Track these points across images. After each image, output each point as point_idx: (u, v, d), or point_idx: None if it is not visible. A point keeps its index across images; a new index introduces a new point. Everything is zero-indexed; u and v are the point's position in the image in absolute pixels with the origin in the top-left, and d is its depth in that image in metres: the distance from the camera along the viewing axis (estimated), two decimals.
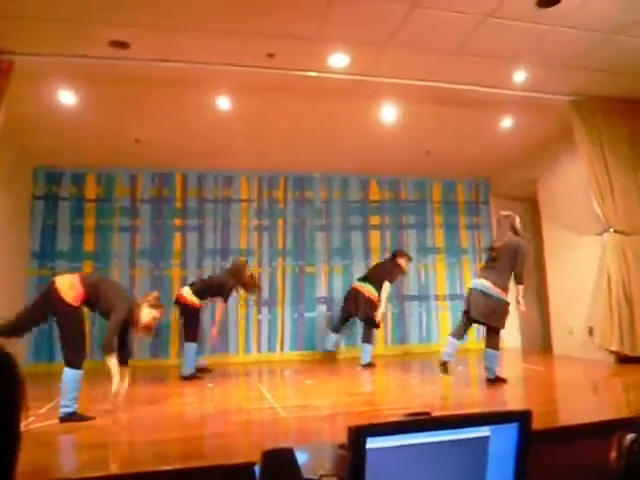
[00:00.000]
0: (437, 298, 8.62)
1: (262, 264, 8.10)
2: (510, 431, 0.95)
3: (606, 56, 5.04)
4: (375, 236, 8.46)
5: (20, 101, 5.00)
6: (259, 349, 7.87)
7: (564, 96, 5.94)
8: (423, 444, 0.90)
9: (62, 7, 4.00)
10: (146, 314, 4.15)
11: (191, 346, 6.03)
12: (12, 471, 0.66)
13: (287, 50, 4.80)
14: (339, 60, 5.02)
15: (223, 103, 5.69)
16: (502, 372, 5.32)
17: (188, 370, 5.96)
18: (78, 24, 4.24)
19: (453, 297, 8.67)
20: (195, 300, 6.15)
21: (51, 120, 5.88)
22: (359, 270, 8.18)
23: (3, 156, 5.67)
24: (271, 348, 7.93)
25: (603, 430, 2.96)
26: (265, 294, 8.03)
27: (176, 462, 2.97)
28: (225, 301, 6.36)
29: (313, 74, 5.17)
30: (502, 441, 0.94)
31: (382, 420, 3.17)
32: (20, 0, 3.90)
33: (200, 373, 6.11)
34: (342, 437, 3.06)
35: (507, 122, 6.59)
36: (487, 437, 0.94)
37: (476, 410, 4.29)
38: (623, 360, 5.79)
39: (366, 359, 6.67)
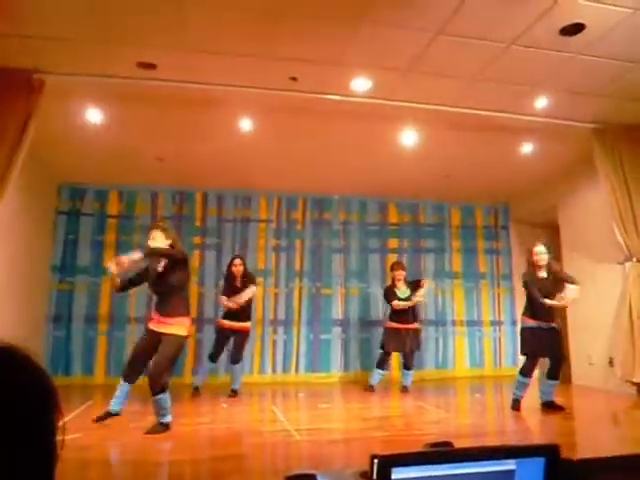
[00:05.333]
0: (454, 323, 8.54)
1: (279, 284, 8.11)
2: (536, 465, 0.94)
3: (629, 84, 5.03)
4: (393, 259, 8.38)
5: (48, 118, 5.12)
6: (274, 370, 7.84)
7: (586, 123, 5.92)
8: (448, 476, 0.88)
9: (93, 29, 4.11)
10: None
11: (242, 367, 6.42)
12: None
13: (310, 74, 4.86)
14: (361, 84, 5.07)
15: (245, 124, 5.76)
16: (521, 401, 5.23)
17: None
18: (108, 46, 4.35)
19: (470, 323, 8.58)
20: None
21: (77, 137, 6.00)
22: (376, 293, 8.15)
23: (29, 172, 5.78)
24: (286, 369, 7.89)
25: (625, 465, 2.90)
26: (281, 314, 8.03)
27: None
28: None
29: (335, 97, 5.23)
30: (528, 475, 0.93)
31: (397, 446, 3.13)
32: (53, 22, 4.02)
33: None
34: (356, 462, 3.02)
35: (527, 148, 6.57)
36: (513, 471, 0.93)
37: (492, 440, 4.22)
38: None
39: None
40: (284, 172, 7.44)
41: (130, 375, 4.25)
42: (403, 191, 8.31)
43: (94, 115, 5.49)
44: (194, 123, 5.78)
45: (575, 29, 4.14)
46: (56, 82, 4.75)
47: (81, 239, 7.68)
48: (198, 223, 8.07)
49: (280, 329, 7.98)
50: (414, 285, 7.00)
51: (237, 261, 6.43)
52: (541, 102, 5.43)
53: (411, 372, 6.87)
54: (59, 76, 4.71)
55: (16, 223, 6.07)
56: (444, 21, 4.05)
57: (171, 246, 4.37)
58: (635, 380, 5.67)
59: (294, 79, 4.94)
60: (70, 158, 6.73)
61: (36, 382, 0.69)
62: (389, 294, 6.93)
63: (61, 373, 7.10)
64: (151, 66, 4.69)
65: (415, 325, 6.88)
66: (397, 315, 6.81)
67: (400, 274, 6.95)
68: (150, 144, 6.40)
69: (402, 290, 6.90)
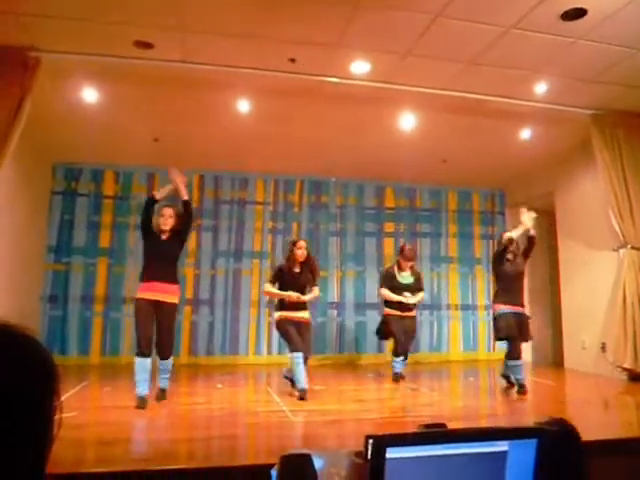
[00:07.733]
0: (449, 307, 8.58)
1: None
2: (529, 447, 0.96)
3: (629, 71, 5.01)
4: (389, 243, 8.45)
5: (43, 97, 5.06)
6: (269, 351, 7.88)
7: (585, 109, 5.91)
8: (441, 456, 0.90)
9: (90, 7, 4.06)
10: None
11: None
12: (44, 469, 0.66)
13: (309, 56, 4.83)
14: (360, 67, 5.04)
15: (243, 106, 5.72)
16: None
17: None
18: (105, 24, 4.30)
19: (465, 307, 8.63)
20: None
21: (73, 117, 5.94)
22: (372, 277, 8.16)
23: (24, 151, 5.72)
24: (281, 350, 7.91)
25: (614, 448, 2.94)
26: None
27: (183, 462, 2.99)
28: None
29: (334, 80, 5.19)
30: (520, 457, 0.95)
31: (391, 428, 3.17)
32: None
33: None
34: (351, 443, 3.04)
35: (526, 133, 6.55)
36: (505, 452, 0.95)
37: (485, 422, 4.27)
38: (636, 378, 5.73)
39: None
40: (282, 154, 7.40)
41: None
42: (400, 175, 8.28)
43: (90, 94, 5.44)
44: (192, 104, 5.74)
45: (576, 14, 4.11)
46: (52, 60, 4.69)
47: (77, 220, 7.64)
48: (194, 205, 8.01)
49: None
50: (418, 277, 6.31)
51: (302, 243, 5.35)
52: (540, 87, 5.41)
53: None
54: (55, 54, 4.66)
55: (11, 203, 6.03)
56: (444, 4, 4.02)
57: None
58: (626, 366, 5.73)
59: (293, 61, 4.91)
60: (65, 138, 6.67)
61: (37, 360, 0.70)
62: (386, 278, 6.23)
63: (57, 353, 7.11)
64: (148, 45, 4.64)
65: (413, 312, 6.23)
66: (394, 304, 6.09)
67: (408, 265, 6.20)
68: (146, 124, 6.35)
69: (404, 275, 6.18)
